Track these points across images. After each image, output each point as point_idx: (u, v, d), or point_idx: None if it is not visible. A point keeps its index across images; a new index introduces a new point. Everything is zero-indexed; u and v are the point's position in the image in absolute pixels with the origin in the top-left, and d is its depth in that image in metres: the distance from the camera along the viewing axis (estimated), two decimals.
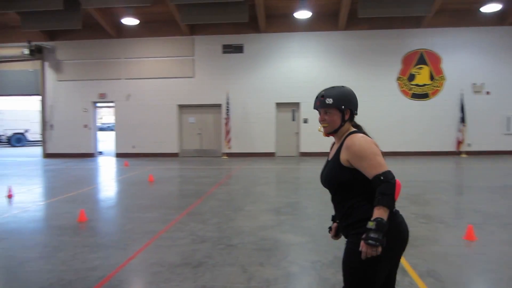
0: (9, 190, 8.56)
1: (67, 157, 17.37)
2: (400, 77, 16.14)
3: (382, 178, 2.07)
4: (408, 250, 4.64)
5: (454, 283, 3.85)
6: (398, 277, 3.90)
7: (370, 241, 1.99)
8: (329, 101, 2.29)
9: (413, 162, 14.04)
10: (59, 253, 4.88)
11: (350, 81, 14.48)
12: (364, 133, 2.34)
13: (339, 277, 2.14)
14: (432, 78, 16.03)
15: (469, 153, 15.84)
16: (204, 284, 3.87)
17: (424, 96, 16.12)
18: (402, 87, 16.14)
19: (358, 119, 2.44)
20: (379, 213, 2.04)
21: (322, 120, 2.37)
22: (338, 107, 2.30)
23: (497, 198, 7.77)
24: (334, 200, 2.39)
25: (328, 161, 2.44)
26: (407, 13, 14.44)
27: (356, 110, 2.37)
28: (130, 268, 4.40)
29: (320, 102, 2.34)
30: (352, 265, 2.18)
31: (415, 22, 15.77)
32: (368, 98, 15.54)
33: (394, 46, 16.09)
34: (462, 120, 15.63)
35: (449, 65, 15.94)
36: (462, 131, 15.65)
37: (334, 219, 2.55)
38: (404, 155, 15.84)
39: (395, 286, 2.37)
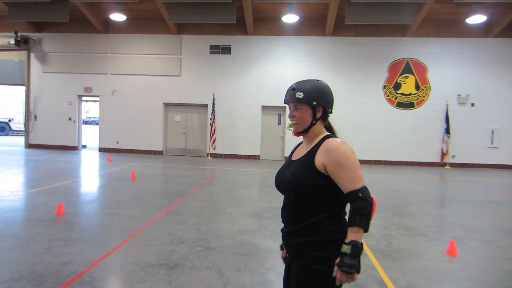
0: None
1: (50, 149, 17.26)
2: (386, 85, 16.20)
3: (360, 194, 1.85)
4: (389, 263, 4.68)
5: None
6: None
7: (345, 268, 1.80)
8: (300, 95, 2.05)
9: (397, 171, 14.08)
10: (33, 245, 4.81)
11: (337, 87, 14.59)
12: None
13: None
14: (417, 87, 16.13)
15: (453, 165, 15.91)
16: (179, 286, 3.82)
17: (409, 105, 16.21)
18: (388, 96, 16.21)
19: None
20: (355, 235, 1.84)
21: (291, 117, 2.13)
22: (309, 102, 2.05)
23: (480, 213, 7.66)
24: (290, 207, 2.09)
25: (291, 161, 2.17)
26: (394, 22, 14.48)
27: (331, 108, 2.13)
28: (105, 265, 4.33)
29: (290, 96, 2.10)
30: None
31: (402, 30, 15.89)
32: (354, 105, 15.80)
33: (380, 54, 16.13)
34: (447, 131, 15.62)
35: (434, 75, 16.02)
36: (446, 142, 15.66)
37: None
38: (388, 164, 15.94)
39: None
